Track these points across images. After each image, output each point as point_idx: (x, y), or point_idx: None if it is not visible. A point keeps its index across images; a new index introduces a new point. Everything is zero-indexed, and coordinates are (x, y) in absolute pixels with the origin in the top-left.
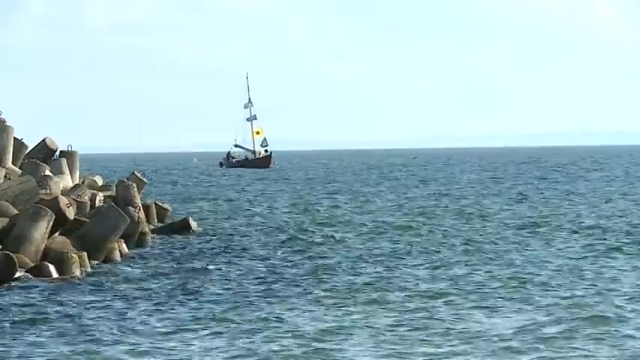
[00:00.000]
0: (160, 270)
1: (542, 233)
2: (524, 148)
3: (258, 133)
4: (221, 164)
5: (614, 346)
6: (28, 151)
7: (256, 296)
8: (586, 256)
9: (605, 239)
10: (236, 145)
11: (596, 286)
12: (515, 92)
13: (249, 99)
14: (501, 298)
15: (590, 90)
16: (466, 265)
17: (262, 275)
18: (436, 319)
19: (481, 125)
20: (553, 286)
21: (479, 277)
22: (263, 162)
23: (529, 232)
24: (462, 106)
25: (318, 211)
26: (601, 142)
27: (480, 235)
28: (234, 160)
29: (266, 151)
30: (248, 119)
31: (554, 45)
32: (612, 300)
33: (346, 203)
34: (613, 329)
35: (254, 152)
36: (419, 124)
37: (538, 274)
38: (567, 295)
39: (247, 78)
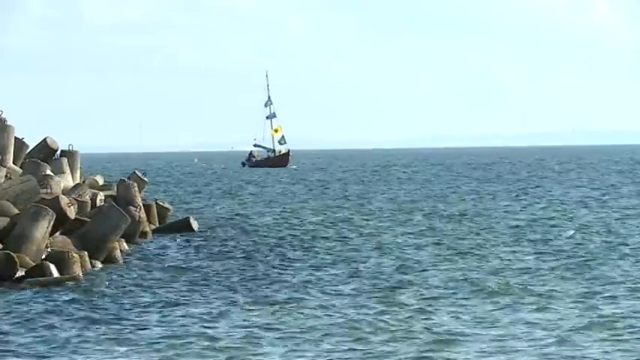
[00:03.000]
0: (160, 270)
1: None
2: (525, 147)
3: (276, 130)
4: (243, 164)
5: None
6: (28, 150)
7: (256, 297)
8: None
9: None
10: (255, 145)
11: None
12: (515, 92)
13: (269, 97)
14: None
15: (590, 90)
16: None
17: (262, 276)
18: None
19: (481, 125)
20: None
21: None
22: (281, 160)
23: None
24: (462, 106)
25: (325, 212)
26: (601, 142)
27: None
28: (254, 160)
29: (273, 150)
30: (267, 117)
31: (554, 45)
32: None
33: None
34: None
35: (273, 151)
36: (419, 123)
37: None
38: None
39: (267, 76)
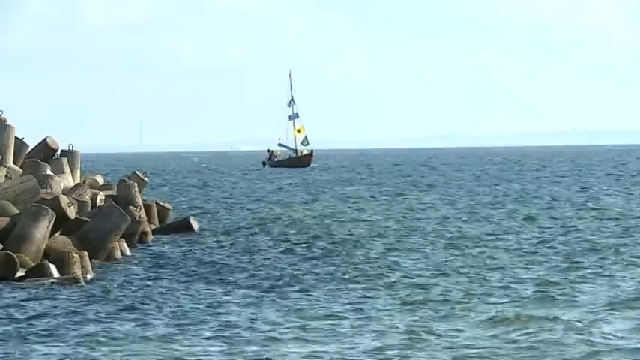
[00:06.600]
0: (160, 270)
1: None
2: (525, 147)
3: (299, 131)
4: (264, 164)
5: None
6: (28, 150)
7: (257, 296)
8: None
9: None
10: (280, 145)
11: None
12: (515, 92)
13: (292, 97)
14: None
15: (590, 90)
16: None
17: (262, 275)
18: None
19: (482, 125)
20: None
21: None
22: (303, 161)
23: None
24: (463, 106)
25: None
26: (601, 142)
27: None
28: (275, 160)
29: (296, 151)
30: (290, 117)
31: (554, 45)
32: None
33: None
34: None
35: (295, 151)
36: (419, 123)
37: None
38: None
39: (290, 76)
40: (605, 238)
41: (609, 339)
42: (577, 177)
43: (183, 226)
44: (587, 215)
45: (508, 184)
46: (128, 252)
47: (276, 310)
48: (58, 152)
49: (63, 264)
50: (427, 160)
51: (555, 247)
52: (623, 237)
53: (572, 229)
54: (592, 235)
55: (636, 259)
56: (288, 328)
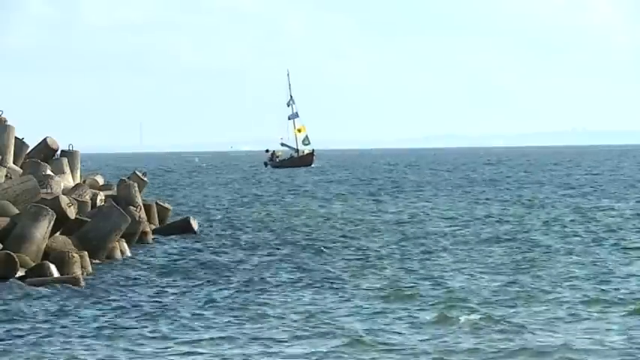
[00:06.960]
0: (160, 270)
1: None
2: (525, 147)
3: (299, 130)
4: (266, 164)
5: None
6: (28, 150)
7: (257, 296)
8: None
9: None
10: (282, 144)
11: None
12: (515, 92)
13: (291, 96)
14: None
15: (590, 90)
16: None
17: (262, 275)
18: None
19: (482, 125)
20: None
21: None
22: (305, 160)
23: None
24: (463, 106)
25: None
26: (601, 142)
27: None
28: (277, 160)
29: (297, 150)
30: (289, 117)
31: (554, 45)
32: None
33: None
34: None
35: (297, 150)
36: (419, 123)
37: None
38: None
39: (288, 75)
40: (584, 237)
41: (586, 338)
42: (571, 176)
43: (183, 226)
44: (572, 213)
45: (496, 183)
46: (128, 252)
47: (276, 310)
48: (58, 152)
49: (63, 264)
50: (420, 160)
51: (536, 245)
52: (607, 237)
53: (554, 228)
54: (575, 235)
55: (616, 258)
56: (288, 327)
